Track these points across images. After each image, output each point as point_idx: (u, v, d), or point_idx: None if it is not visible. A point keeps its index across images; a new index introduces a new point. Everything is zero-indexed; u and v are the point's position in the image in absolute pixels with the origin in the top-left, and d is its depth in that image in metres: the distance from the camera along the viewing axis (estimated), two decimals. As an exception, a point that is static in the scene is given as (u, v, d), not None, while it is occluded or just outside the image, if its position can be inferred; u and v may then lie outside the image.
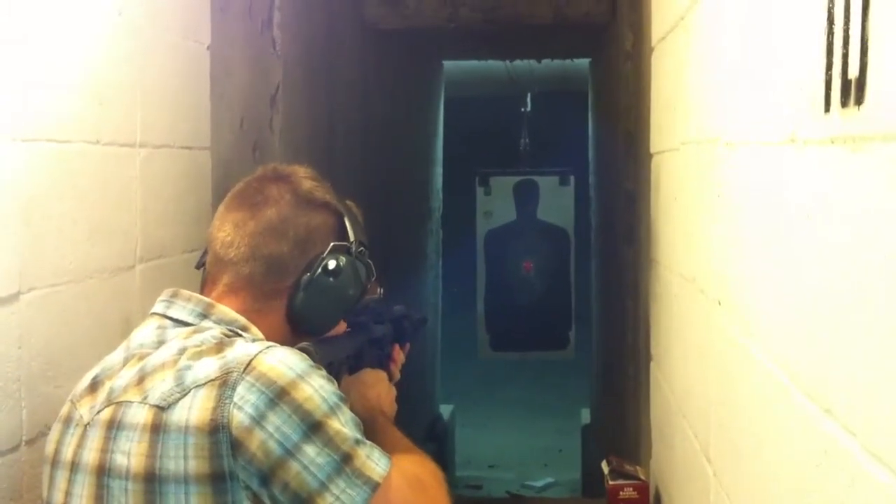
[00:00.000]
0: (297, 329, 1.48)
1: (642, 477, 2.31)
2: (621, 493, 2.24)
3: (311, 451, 1.24)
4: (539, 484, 7.46)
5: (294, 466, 1.23)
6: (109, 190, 1.84)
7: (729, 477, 1.37)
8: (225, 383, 1.26)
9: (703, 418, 1.58)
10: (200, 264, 1.53)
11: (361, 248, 1.53)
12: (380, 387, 1.69)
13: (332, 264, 1.47)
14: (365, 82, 4.48)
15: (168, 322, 1.40)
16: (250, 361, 1.27)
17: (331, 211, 1.52)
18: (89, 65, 1.76)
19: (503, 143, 8.30)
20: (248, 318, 1.43)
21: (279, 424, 1.24)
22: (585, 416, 6.83)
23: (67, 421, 1.37)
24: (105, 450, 1.30)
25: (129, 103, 1.91)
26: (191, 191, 2.21)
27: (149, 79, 1.99)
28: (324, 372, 1.33)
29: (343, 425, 1.28)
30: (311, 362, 1.32)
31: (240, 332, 1.39)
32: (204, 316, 1.40)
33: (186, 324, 1.39)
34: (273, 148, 2.93)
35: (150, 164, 2.00)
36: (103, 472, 1.29)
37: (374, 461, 1.28)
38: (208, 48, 2.32)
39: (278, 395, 1.25)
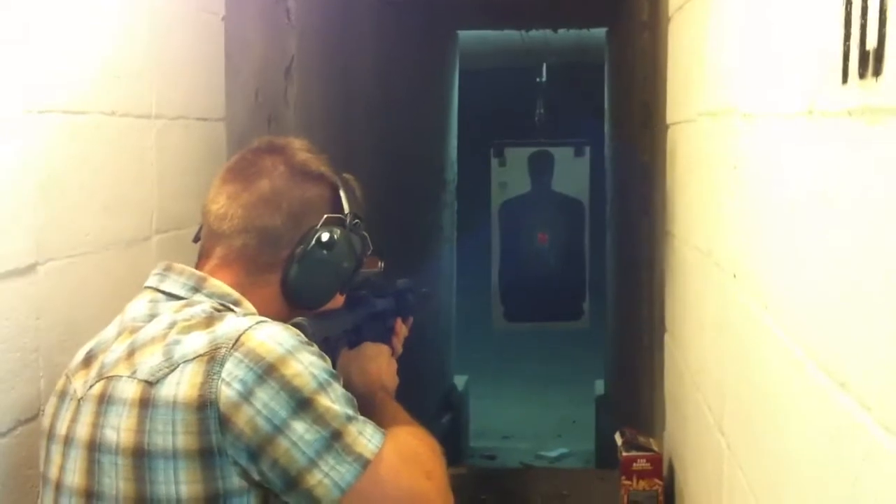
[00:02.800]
0: (293, 302, 1.46)
1: (655, 449, 2.31)
2: (634, 464, 2.25)
3: (299, 427, 1.23)
4: (553, 454, 7.50)
5: (283, 443, 1.23)
6: (126, 161, 1.85)
7: (743, 450, 1.38)
8: (213, 359, 1.25)
9: (717, 391, 1.59)
10: (197, 238, 1.51)
11: (357, 220, 1.51)
12: (380, 360, 1.68)
13: (325, 236, 1.45)
14: (380, 52, 4.46)
15: (160, 295, 1.39)
16: (239, 337, 1.26)
17: (326, 183, 1.50)
18: (104, 36, 1.76)
19: (518, 114, 8.26)
20: (242, 292, 1.41)
21: (267, 401, 1.23)
22: (599, 387, 6.84)
23: (62, 395, 1.38)
24: (96, 424, 1.30)
25: (145, 75, 1.91)
26: (206, 162, 2.21)
27: (164, 50, 1.98)
28: (315, 348, 1.31)
29: (333, 402, 1.26)
30: (303, 338, 1.31)
31: (231, 306, 1.38)
32: (196, 289, 1.39)
33: (179, 297, 1.38)
34: (288, 120, 2.92)
35: (166, 135, 2.00)
36: (94, 447, 1.29)
37: (365, 437, 1.27)
38: (223, 19, 2.31)
39: (266, 372, 1.24)
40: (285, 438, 1.23)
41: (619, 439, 2.37)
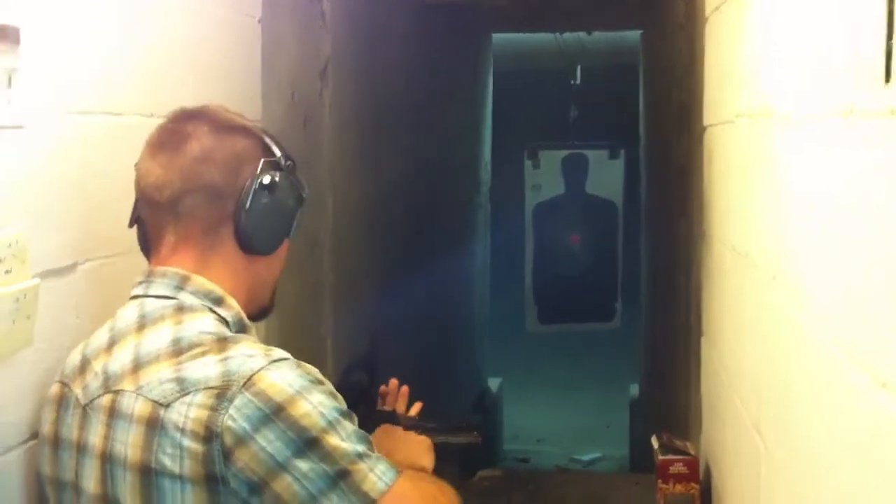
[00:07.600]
0: (249, 251, 1.46)
1: (692, 452, 2.30)
2: (671, 468, 2.24)
3: (303, 465, 1.24)
4: (587, 458, 7.46)
5: (285, 478, 1.24)
6: (163, 162, 1.86)
7: (780, 452, 1.36)
8: (223, 394, 1.26)
9: (754, 393, 1.57)
10: (133, 222, 1.51)
11: (290, 161, 1.52)
12: (404, 445, 1.65)
13: (266, 179, 1.46)
14: (413, 56, 4.47)
15: (148, 300, 1.41)
16: (251, 376, 1.27)
17: (251, 134, 1.51)
18: (142, 39, 1.78)
19: (552, 117, 8.25)
20: (206, 261, 1.42)
21: (273, 439, 1.24)
22: (634, 391, 6.81)
23: (61, 401, 1.40)
24: (106, 437, 1.32)
25: (183, 77, 1.93)
26: (242, 164, 2.23)
27: (201, 52, 2.00)
28: (328, 386, 1.32)
29: (343, 440, 1.27)
30: (315, 376, 1.31)
31: (212, 306, 1.39)
32: (180, 288, 1.40)
33: (166, 297, 1.40)
34: (323, 121, 2.94)
35: (203, 136, 2.01)
36: (106, 458, 1.32)
37: (376, 475, 1.27)
38: (259, 21, 2.33)
39: (274, 412, 1.25)
40: (288, 474, 1.24)
41: (655, 443, 2.36)
